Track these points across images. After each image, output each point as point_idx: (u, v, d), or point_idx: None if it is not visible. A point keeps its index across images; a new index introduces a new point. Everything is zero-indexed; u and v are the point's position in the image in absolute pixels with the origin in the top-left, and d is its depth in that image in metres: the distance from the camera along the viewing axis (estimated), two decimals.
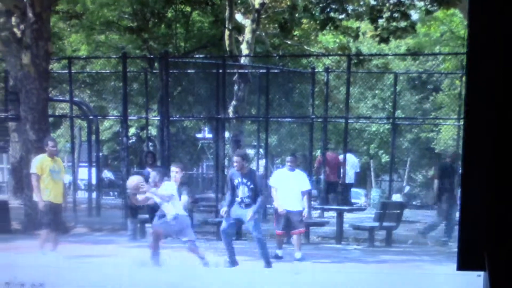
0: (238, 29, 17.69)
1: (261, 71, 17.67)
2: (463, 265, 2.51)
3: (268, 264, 10.09)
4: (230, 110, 16.89)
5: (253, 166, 20.91)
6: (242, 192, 10.15)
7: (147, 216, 12.91)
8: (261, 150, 19.44)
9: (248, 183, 10.12)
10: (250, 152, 22.80)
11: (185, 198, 10.56)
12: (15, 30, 12.58)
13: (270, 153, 19.51)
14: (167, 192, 9.94)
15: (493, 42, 2.41)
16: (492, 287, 2.47)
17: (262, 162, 19.26)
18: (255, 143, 20.69)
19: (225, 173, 16.25)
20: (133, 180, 10.42)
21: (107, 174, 18.65)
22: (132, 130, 19.04)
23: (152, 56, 17.64)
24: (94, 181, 16.30)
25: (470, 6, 2.38)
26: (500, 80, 2.41)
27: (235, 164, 10.38)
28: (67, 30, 17.80)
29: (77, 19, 16.54)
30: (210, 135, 21.43)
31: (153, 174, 10.50)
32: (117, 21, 18.05)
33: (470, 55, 2.39)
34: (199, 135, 22.36)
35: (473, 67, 2.45)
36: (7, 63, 13.26)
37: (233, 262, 9.98)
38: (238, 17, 18.28)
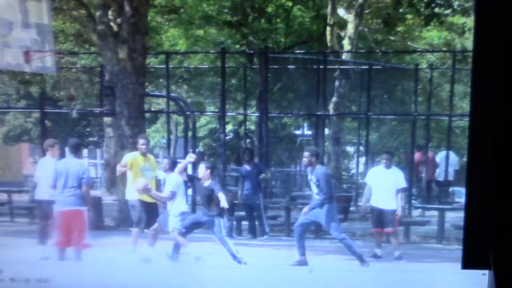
0: (340, 24, 16.73)
1: (363, 67, 16.83)
2: (468, 264, 2.56)
3: (363, 262, 9.65)
4: (330, 107, 16.10)
5: (353, 163, 20.07)
6: (313, 189, 9.92)
7: (243, 213, 12.77)
8: (361, 148, 18.58)
9: (314, 179, 9.85)
10: (350, 149, 21.89)
11: (222, 196, 10.05)
12: (112, 24, 12.12)
13: (370, 150, 18.61)
14: (167, 190, 9.96)
15: (499, 43, 2.37)
16: (497, 285, 2.48)
17: (362, 159, 18.52)
18: (355, 141, 19.76)
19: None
20: (140, 184, 10.12)
21: None
22: (229, 127, 18.37)
23: (251, 52, 16.92)
24: None
25: (477, 8, 2.39)
26: (506, 82, 2.37)
27: (304, 159, 10.13)
28: (165, 25, 17.24)
29: (175, 13, 15.98)
30: (309, 132, 20.62)
31: (165, 161, 10.31)
32: (216, 16, 17.37)
33: (476, 56, 2.40)
34: (297, 132, 21.50)
35: (478, 68, 2.42)
36: (103, 57, 12.80)
37: (302, 262, 9.67)
38: (341, 12, 17.29)
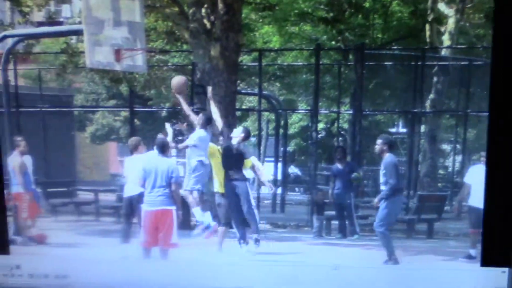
0: (440, 19, 15.76)
1: (462, 63, 15.77)
2: (487, 262, 2.73)
3: (390, 260, 9.41)
4: (427, 104, 15.29)
5: (449, 162, 18.96)
6: (381, 179, 9.73)
7: (333, 213, 12.35)
8: (458, 146, 17.39)
9: (382, 168, 9.64)
10: (446, 147, 20.80)
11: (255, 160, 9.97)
12: (205, 21, 11.65)
13: (467, 148, 17.65)
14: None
15: None
16: None
17: (459, 158, 17.38)
18: (452, 138, 18.67)
19: (419, 169, 15.06)
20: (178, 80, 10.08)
21: (293, 170, 17.58)
22: (320, 125, 17.64)
23: (347, 48, 16.14)
24: (279, 177, 15.17)
25: (496, 4, 2.60)
26: None
27: (376, 147, 9.91)
28: (259, 22, 16.64)
29: (270, 10, 15.34)
30: (404, 130, 19.65)
31: (200, 116, 10.18)
32: (312, 12, 16.62)
33: (494, 52, 2.65)
34: (392, 130, 20.58)
35: (499, 64, 2.62)
36: (194, 55, 12.43)
37: (394, 262, 9.37)
38: (441, 6, 16.26)
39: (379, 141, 9.92)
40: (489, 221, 2.78)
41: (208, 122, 10.17)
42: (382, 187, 9.84)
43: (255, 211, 10.22)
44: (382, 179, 9.81)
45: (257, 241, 9.88)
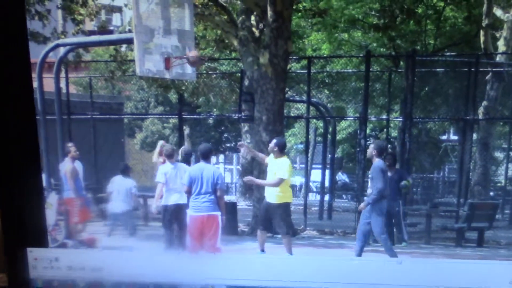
0: (495, 25, 15.30)
1: None
2: None
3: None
4: (480, 111, 14.73)
5: (501, 170, 18.44)
6: (369, 183, 9.36)
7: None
8: (511, 153, 16.89)
9: (370, 174, 9.33)
10: (499, 155, 20.25)
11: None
12: (254, 29, 11.48)
13: None
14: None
15: None
16: None
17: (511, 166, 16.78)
18: (505, 146, 18.18)
19: (470, 177, 14.68)
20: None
21: (341, 177, 17.34)
22: (368, 131, 17.37)
23: (397, 55, 15.78)
24: (327, 183, 14.97)
25: None
26: None
27: (367, 151, 9.67)
28: (308, 29, 16.40)
29: (320, 17, 15.07)
30: (455, 137, 19.20)
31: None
32: (363, 18, 16.29)
33: None
34: (443, 137, 20.11)
35: None
36: (243, 63, 12.24)
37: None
38: (496, 11, 15.76)
39: (370, 146, 9.60)
40: None
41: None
42: (369, 191, 9.56)
43: None
44: (369, 184, 9.49)
45: None
